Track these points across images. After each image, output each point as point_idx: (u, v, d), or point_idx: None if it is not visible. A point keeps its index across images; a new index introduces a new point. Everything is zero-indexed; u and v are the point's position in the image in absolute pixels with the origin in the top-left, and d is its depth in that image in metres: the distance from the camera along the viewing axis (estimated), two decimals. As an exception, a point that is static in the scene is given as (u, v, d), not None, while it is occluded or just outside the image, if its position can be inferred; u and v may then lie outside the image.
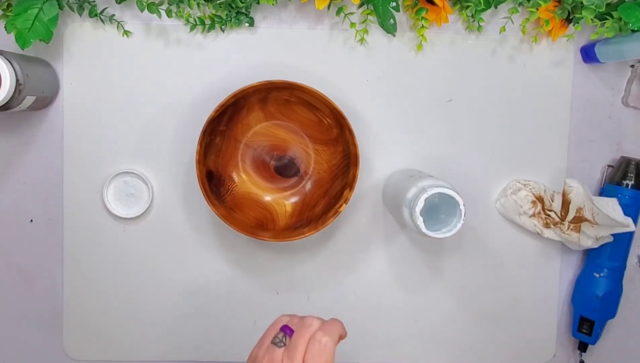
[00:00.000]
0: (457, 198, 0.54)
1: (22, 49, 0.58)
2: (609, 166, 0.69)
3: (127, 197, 0.66)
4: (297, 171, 0.66)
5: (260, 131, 0.65)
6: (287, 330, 0.50)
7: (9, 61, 0.55)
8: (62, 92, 0.65)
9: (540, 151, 0.68)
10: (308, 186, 0.66)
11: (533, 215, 0.67)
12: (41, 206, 0.67)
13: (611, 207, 0.63)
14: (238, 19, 0.64)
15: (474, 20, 0.65)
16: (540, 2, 0.62)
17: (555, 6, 0.63)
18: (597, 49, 0.64)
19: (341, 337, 0.49)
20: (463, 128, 0.68)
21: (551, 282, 0.70)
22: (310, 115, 0.64)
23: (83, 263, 0.67)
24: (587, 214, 0.63)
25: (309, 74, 0.66)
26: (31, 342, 0.69)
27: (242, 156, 0.66)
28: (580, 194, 0.63)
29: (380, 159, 0.68)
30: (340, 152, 0.64)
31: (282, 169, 0.66)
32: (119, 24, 0.64)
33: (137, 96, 0.66)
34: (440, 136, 0.68)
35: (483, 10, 0.64)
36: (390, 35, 0.65)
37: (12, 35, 0.58)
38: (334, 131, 0.64)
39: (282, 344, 0.49)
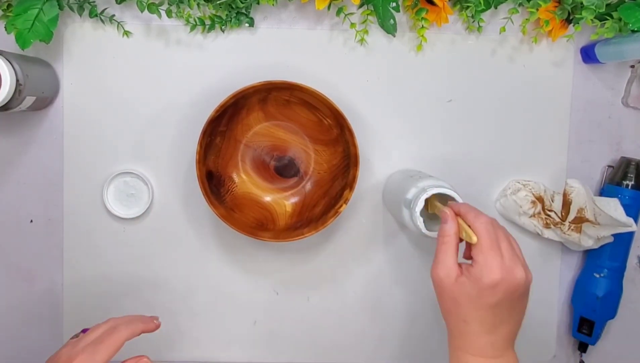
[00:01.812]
0: (457, 198, 0.54)
1: (22, 49, 0.58)
2: (609, 166, 0.69)
3: (127, 197, 0.66)
4: (297, 171, 0.66)
5: (260, 131, 0.65)
6: (85, 331, 0.53)
7: (9, 61, 0.55)
8: (62, 92, 0.65)
9: (540, 151, 0.68)
10: (308, 186, 0.66)
11: (533, 215, 0.67)
12: (41, 206, 0.67)
13: (613, 207, 0.63)
14: (238, 20, 0.64)
15: (474, 21, 0.65)
16: (540, 3, 0.62)
17: (555, 7, 0.63)
18: (597, 50, 0.64)
19: (144, 330, 0.53)
20: (463, 128, 0.68)
21: (551, 282, 0.70)
22: (310, 115, 0.64)
23: (83, 263, 0.67)
24: (588, 214, 0.63)
25: (309, 74, 0.66)
26: (31, 341, 0.69)
27: (242, 156, 0.66)
28: (581, 195, 0.63)
29: (380, 159, 0.68)
30: (340, 152, 0.64)
31: (282, 170, 0.66)
32: (119, 24, 0.64)
33: (137, 96, 0.66)
34: (440, 136, 0.68)
35: (483, 10, 0.64)
36: (390, 35, 0.65)
37: (12, 36, 0.58)
38: (334, 131, 0.64)
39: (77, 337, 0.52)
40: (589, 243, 0.65)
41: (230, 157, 0.65)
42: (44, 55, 0.64)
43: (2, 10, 0.62)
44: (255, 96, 0.62)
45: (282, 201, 0.66)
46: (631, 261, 0.69)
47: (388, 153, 0.68)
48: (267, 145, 0.66)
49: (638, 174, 0.65)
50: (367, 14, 0.64)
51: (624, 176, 0.66)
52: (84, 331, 0.53)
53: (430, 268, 0.51)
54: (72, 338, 0.53)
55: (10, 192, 0.67)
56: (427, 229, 0.55)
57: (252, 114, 0.64)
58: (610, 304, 0.67)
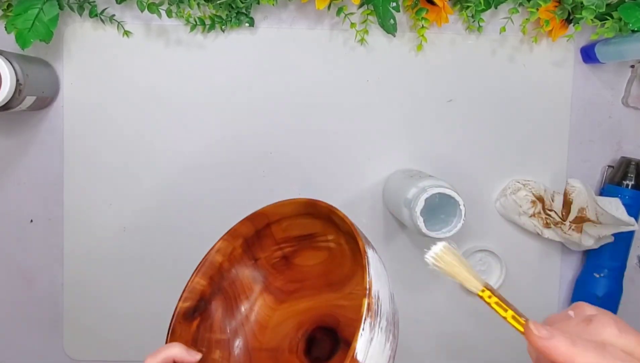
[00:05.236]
0: (457, 198, 0.55)
1: (22, 49, 0.58)
2: (609, 166, 0.69)
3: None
4: (336, 341, 0.49)
5: (278, 320, 0.50)
6: None
7: (9, 61, 0.55)
8: (62, 92, 0.65)
9: (540, 151, 0.68)
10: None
11: (533, 215, 0.66)
12: (41, 206, 0.67)
13: (614, 206, 0.63)
14: (238, 19, 0.64)
15: (474, 21, 0.65)
16: (541, 3, 0.62)
17: (556, 6, 0.63)
18: (597, 49, 0.64)
19: None
20: (463, 128, 0.68)
21: (551, 282, 0.70)
22: (317, 254, 0.50)
23: (83, 263, 0.67)
24: (590, 214, 0.63)
25: (309, 74, 0.66)
26: (31, 342, 0.69)
27: None
28: (582, 195, 0.63)
29: (380, 159, 0.68)
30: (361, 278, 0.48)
31: (316, 350, 0.50)
32: (119, 24, 0.64)
33: (137, 96, 0.66)
34: (440, 136, 0.68)
35: (483, 10, 0.64)
36: (390, 35, 0.65)
37: (12, 35, 0.58)
38: (346, 252, 0.49)
39: None
40: (590, 243, 0.65)
41: None
42: (44, 55, 0.64)
43: (2, 10, 0.62)
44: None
45: None
46: (631, 261, 0.69)
47: (388, 153, 0.68)
48: (288, 331, 0.49)
49: (638, 174, 0.65)
50: (367, 14, 0.64)
51: (624, 176, 0.66)
52: None
53: None
54: None
55: (10, 192, 0.67)
56: (427, 229, 0.55)
57: (256, 306, 0.48)
58: (610, 304, 0.67)
